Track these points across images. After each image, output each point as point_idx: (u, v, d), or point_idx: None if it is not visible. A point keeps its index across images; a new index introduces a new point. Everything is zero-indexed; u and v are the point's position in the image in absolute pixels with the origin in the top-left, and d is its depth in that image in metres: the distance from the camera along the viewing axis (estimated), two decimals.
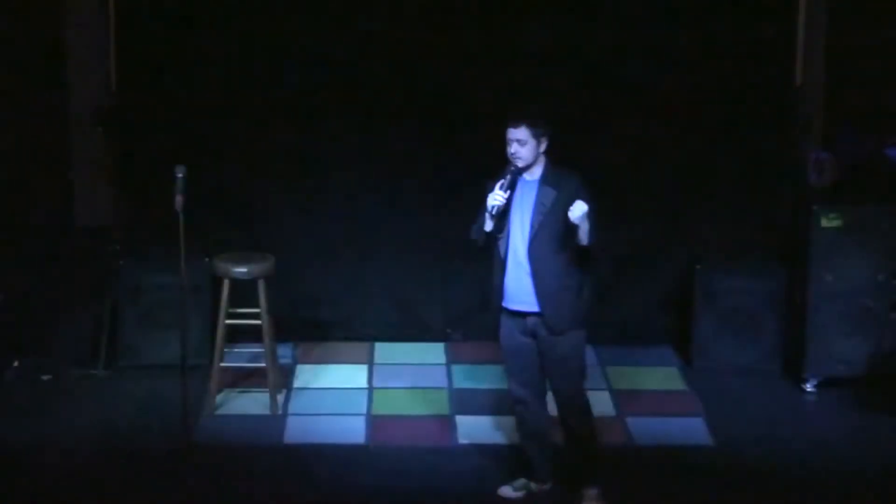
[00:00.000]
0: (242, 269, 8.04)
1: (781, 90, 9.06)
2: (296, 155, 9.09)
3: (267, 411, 8.11)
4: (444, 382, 8.65)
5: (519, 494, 7.19)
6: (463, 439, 7.84)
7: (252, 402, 8.24)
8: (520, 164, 6.80)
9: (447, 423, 8.04)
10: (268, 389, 8.14)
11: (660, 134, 9.10)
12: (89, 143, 8.89)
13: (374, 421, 8.06)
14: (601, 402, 8.37)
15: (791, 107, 9.04)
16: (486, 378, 8.68)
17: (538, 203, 6.82)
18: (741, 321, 8.83)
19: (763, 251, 9.09)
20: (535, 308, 6.84)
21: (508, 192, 6.80)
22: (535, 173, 6.87)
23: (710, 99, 9.05)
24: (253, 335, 8.23)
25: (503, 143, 9.14)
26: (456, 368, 8.87)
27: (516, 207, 6.84)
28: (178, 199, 7.18)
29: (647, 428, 7.99)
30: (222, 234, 8.84)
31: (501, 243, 6.88)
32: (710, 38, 9.00)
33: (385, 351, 9.13)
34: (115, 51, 8.88)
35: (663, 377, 8.81)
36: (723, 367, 8.81)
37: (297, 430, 7.90)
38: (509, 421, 8.04)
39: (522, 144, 6.78)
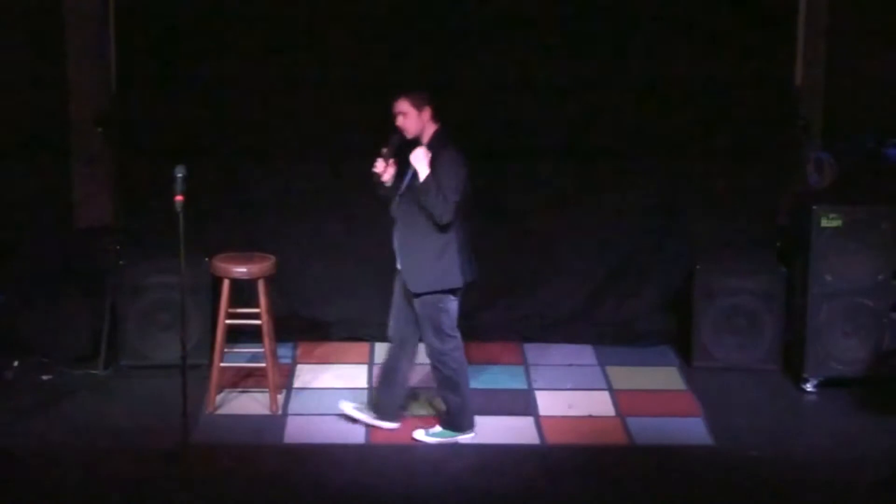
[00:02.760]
0: (242, 269, 8.04)
1: (781, 90, 9.06)
2: (296, 155, 9.08)
3: (267, 411, 8.11)
4: None
5: (360, 416, 7.86)
6: (463, 439, 7.84)
7: (252, 402, 8.24)
8: (406, 134, 7.48)
9: None
10: (268, 389, 8.14)
11: (660, 133, 9.10)
12: (89, 143, 8.89)
13: None
14: (601, 402, 8.38)
15: (791, 107, 9.05)
16: (486, 378, 8.69)
17: (412, 169, 7.44)
18: (741, 321, 8.83)
19: (763, 252, 9.09)
20: (398, 263, 7.57)
21: (391, 159, 7.48)
22: (424, 140, 7.52)
23: (710, 99, 9.06)
24: (253, 335, 8.23)
25: (505, 141, 9.22)
26: None
27: (404, 172, 7.51)
28: (178, 200, 7.17)
29: (647, 428, 7.99)
30: (222, 234, 8.84)
31: (392, 204, 7.59)
32: (711, 39, 9.00)
33: (385, 351, 9.11)
34: (115, 51, 8.89)
35: (663, 377, 8.81)
36: (723, 367, 8.82)
37: (297, 430, 7.90)
38: (509, 421, 8.07)
39: (405, 116, 7.50)
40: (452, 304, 7.60)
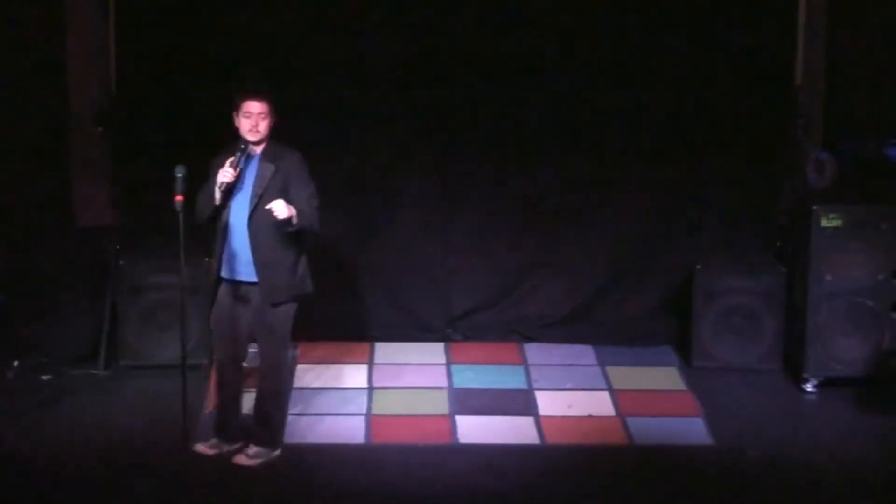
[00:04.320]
0: None
1: (781, 90, 9.06)
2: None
3: None
4: (444, 382, 8.65)
5: (211, 452, 7.43)
6: (463, 439, 7.84)
7: (252, 402, 8.21)
8: (257, 137, 7.12)
9: (447, 423, 8.04)
10: None
11: (660, 134, 9.10)
12: (89, 143, 8.89)
13: (374, 421, 8.06)
14: (601, 402, 8.38)
15: (791, 107, 9.05)
16: (486, 378, 8.70)
17: (259, 177, 7.12)
18: (741, 321, 8.84)
19: (763, 251, 9.10)
20: (250, 277, 7.17)
21: (239, 168, 7.11)
22: (258, 148, 7.17)
23: (710, 98, 9.06)
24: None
25: (505, 141, 9.21)
26: (456, 368, 8.88)
27: (239, 182, 7.14)
28: (178, 200, 7.17)
29: (647, 428, 7.99)
30: None
31: (223, 215, 7.17)
32: (711, 39, 9.01)
33: (385, 351, 9.13)
34: (115, 51, 8.89)
35: (663, 377, 8.81)
36: (723, 367, 8.82)
37: (297, 430, 7.90)
38: (509, 421, 8.07)
39: (264, 118, 7.14)
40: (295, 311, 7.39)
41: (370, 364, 8.92)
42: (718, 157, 9.15)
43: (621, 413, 8.21)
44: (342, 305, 9.29)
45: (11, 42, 8.69)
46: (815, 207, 8.48)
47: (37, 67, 8.76)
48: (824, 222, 8.47)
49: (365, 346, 9.19)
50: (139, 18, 8.87)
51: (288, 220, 7.03)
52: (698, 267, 8.88)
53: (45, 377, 8.53)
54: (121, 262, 8.73)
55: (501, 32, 9.00)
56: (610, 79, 9.04)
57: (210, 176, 7.19)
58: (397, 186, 9.18)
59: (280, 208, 6.99)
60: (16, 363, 8.56)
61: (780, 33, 9.04)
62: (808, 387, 8.58)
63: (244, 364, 7.55)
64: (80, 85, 8.91)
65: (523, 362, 9.00)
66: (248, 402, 7.79)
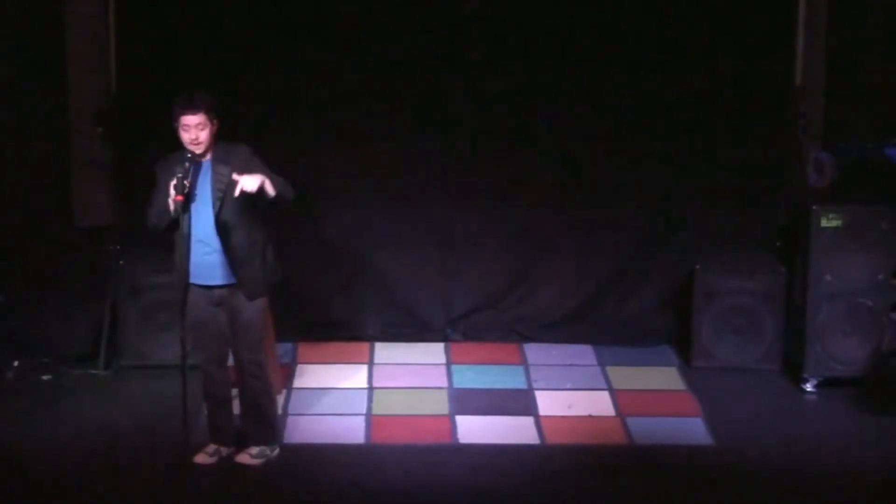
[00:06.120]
0: None
1: (781, 90, 9.06)
2: (295, 154, 9.08)
3: None
4: (444, 382, 8.65)
5: (213, 460, 7.38)
6: (463, 439, 7.84)
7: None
8: (200, 149, 7.04)
9: (447, 422, 8.04)
10: None
11: (660, 133, 9.10)
12: (89, 143, 8.89)
13: (374, 421, 8.06)
14: (601, 402, 8.38)
15: (791, 107, 9.05)
16: (486, 378, 8.70)
17: (216, 180, 7.05)
18: (741, 321, 8.84)
19: (763, 252, 9.10)
20: (225, 280, 7.11)
21: (187, 181, 6.98)
22: (207, 155, 7.11)
23: (710, 99, 9.06)
24: None
25: (506, 141, 9.20)
26: (456, 368, 8.87)
27: (196, 189, 7.04)
28: (178, 200, 7.17)
29: (647, 428, 7.99)
30: None
31: (184, 224, 7.04)
32: (711, 38, 9.01)
33: (385, 351, 9.13)
34: (115, 51, 8.89)
35: (663, 377, 8.81)
36: (723, 367, 8.82)
37: (297, 430, 7.90)
38: (509, 421, 8.07)
39: (202, 128, 7.02)
40: None
41: (370, 364, 8.92)
42: (718, 157, 9.14)
43: (621, 413, 8.22)
44: (342, 305, 9.30)
45: (11, 42, 8.69)
46: (815, 207, 8.48)
47: (37, 67, 8.76)
48: (824, 222, 8.47)
49: (365, 346, 9.19)
50: (139, 18, 8.87)
51: (261, 189, 6.85)
52: (698, 267, 8.88)
53: (45, 377, 8.53)
54: (121, 262, 8.73)
55: (501, 32, 9.00)
56: (609, 79, 9.03)
57: (159, 182, 7.09)
58: (397, 186, 9.17)
59: (248, 181, 6.81)
60: (16, 363, 8.56)
61: (780, 33, 9.04)
62: (808, 387, 8.58)
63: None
64: (80, 85, 8.91)
65: (523, 362, 9.00)
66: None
